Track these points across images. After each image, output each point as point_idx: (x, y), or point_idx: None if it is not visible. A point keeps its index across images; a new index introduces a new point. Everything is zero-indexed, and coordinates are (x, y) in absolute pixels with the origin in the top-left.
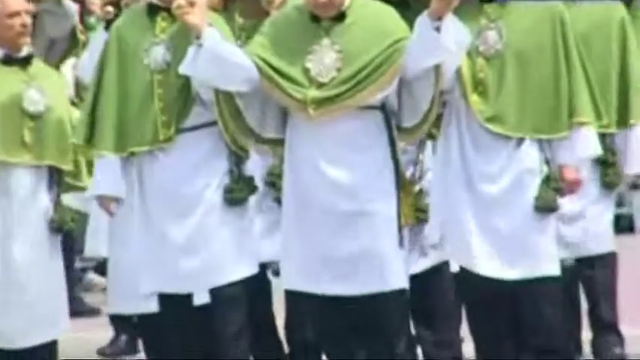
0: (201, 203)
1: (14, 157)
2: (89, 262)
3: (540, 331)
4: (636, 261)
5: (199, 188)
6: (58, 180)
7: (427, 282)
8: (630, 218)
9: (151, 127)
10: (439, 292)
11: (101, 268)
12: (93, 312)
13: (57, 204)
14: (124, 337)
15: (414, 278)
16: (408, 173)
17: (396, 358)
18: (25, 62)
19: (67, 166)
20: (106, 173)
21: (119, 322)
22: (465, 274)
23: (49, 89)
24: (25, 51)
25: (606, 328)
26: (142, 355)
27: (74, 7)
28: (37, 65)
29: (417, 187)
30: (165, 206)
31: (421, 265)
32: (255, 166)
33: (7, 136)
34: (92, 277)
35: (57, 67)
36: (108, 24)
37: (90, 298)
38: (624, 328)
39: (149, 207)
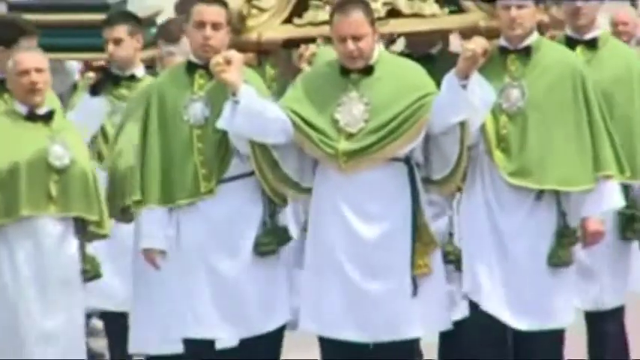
0: (237, 252)
1: (41, 211)
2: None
3: None
4: None
5: (236, 238)
6: (83, 229)
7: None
8: None
9: (192, 180)
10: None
11: (104, 314)
12: (97, 357)
13: (84, 253)
14: None
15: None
16: (435, 225)
17: None
18: (48, 118)
19: (94, 217)
20: (153, 226)
21: None
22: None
23: (72, 143)
24: (46, 107)
25: None
26: None
27: (75, 65)
28: (59, 120)
29: (447, 236)
30: (202, 254)
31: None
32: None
33: (33, 191)
34: (95, 322)
35: None
36: (92, 88)
37: (94, 343)
38: None
39: (186, 254)
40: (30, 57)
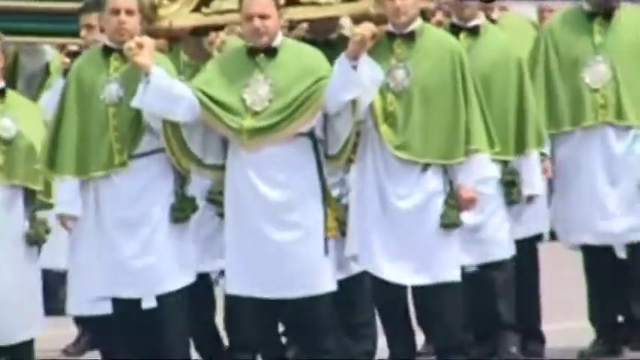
0: (149, 220)
1: None
2: None
3: (441, 331)
4: (555, 263)
5: (148, 207)
6: (32, 198)
7: (348, 287)
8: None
9: (106, 154)
10: (358, 296)
11: None
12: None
13: (32, 219)
14: (86, 337)
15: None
16: (335, 192)
17: (324, 356)
18: (1, 94)
19: (37, 187)
20: (67, 195)
21: (82, 322)
22: (374, 281)
23: (22, 117)
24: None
25: (505, 327)
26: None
27: (48, 49)
28: (12, 96)
29: (341, 204)
30: (118, 222)
31: (342, 274)
32: (196, 185)
33: None
34: None
35: (35, 98)
36: (65, 71)
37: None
38: (545, 325)
39: (104, 222)
40: None
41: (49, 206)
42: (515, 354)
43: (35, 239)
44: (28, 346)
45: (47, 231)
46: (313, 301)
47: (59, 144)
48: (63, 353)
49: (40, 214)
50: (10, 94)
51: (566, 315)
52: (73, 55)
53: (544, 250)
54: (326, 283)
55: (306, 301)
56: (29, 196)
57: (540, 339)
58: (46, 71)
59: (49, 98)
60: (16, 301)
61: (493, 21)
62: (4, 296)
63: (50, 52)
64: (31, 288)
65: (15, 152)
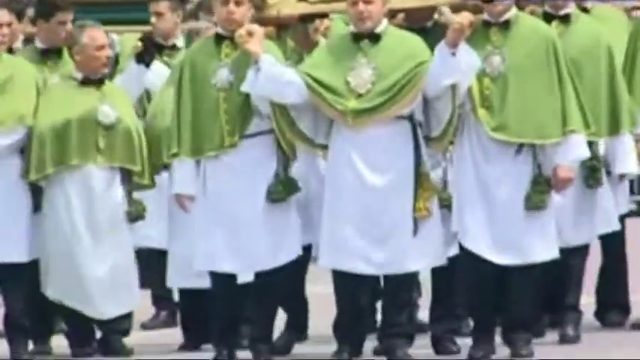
0: (253, 198)
1: (90, 161)
2: None
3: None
4: None
5: (253, 185)
6: (129, 179)
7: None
8: None
9: (218, 135)
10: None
11: None
12: None
13: (130, 198)
14: (164, 313)
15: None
16: (434, 174)
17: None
18: (100, 83)
19: (136, 167)
20: (184, 174)
21: (159, 299)
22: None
23: (119, 104)
24: (102, 72)
25: (568, 308)
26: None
27: (116, 38)
28: (108, 85)
29: (440, 183)
30: (224, 199)
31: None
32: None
33: (84, 144)
34: None
35: None
36: (137, 55)
37: None
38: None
39: (210, 200)
40: (102, 34)
41: (144, 187)
42: (572, 334)
43: (135, 216)
44: (127, 318)
45: (144, 209)
46: (397, 279)
47: (178, 127)
48: (140, 327)
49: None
50: (107, 83)
51: None
52: (145, 40)
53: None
54: (411, 263)
55: (391, 279)
56: (126, 176)
57: (626, 309)
58: (116, 61)
59: (122, 81)
60: (117, 277)
61: (586, 10)
62: (106, 272)
63: (119, 42)
64: (128, 264)
65: (115, 136)
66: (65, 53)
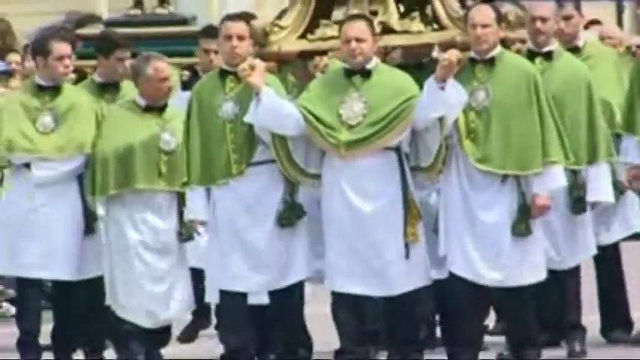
0: (260, 223)
1: (153, 185)
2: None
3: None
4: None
5: (260, 211)
6: (182, 201)
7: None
8: None
9: (225, 164)
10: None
11: None
12: None
13: (182, 220)
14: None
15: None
16: (431, 199)
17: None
18: (161, 110)
19: None
20: (195, 202)
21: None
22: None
23: (179, 130)
24: (164, 100)
25: (572, 327)
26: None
27: None
28: (169, 111)
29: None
30: (233, 224)
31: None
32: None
33: (147, 168)
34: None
35: None
36: (184, 84)
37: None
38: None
39: (220, 225)
40: (166, 66)
41: None
42: (578, 351)
43: (187, 237)
44: (168, 330)
45: (194, 230)
46: (392, 300)
47: (188, 158)
48: (177, 340)
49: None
50: (169, 108)
51: None
52: (190, 69)
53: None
54: (404, 284)
55: (389, 300)
56: (180, 199)
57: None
58: None
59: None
60: (174, 294)
61: (578, 48)
62: (164, 289)
63: None
64: (183, 280)
65: (175, 162)
66: (122, 86)
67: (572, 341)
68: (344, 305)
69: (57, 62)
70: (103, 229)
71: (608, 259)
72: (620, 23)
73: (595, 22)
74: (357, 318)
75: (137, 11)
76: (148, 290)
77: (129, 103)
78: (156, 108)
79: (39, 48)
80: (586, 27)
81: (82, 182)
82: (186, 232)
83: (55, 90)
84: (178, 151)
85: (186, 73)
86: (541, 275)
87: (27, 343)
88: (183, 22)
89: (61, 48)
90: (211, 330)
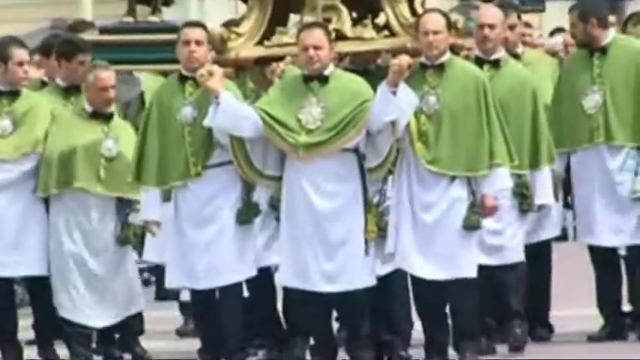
0: (218, 221)
1: (91, 187)
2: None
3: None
4: (568, 260)
5: (217, 210)
6: (124, 206)
7: (389, 281)
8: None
9: (183, 166)
10: (397, 289)
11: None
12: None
13: (123, 224)
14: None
15: (378, 279)
16: (374, 199)
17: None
18: (108, 118)
19: (135, 196)
20: (150, 203)
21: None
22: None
23: (123, 139)
24: (109, 109)
25: (513, 315)
26: None
27: (142, 77)
28: (117, 120)
29: (379, 210)
30: (192, 223)
31: (385, 269)
32: (261, 192)
33: (87, 171)
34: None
35: (134, 122)
36: None
37: None
38: (556, 312)
39: (181, 224)
40: (107, 76)
41: None
42: (519, 335)
43: (123, 241)
44: (137, 319)
45: (135, 234)
46: (352, 294)
47: (143, 159)
48: (175, 333)
49: (132, 217)
50: (115, 117)
51: (575, 304)
52: None
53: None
54: (365, 279)
55: (346, 294)
56: (122, 204)
57: (549, 327)
58: (141, 99)
59: None
60: (114, 289)
61: (517, 55)
62: (104, 284)
63: (144, 80)
64: (127, 277)
65: (116, 168)
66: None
67: (513, 329)
68: (297, 300)
69: (16, 67)
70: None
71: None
72: None
73: (560, 29)
74: (317, 314)
75: (130, 19)
76: (82, 292)
77: (78, 108)
78: (102, 115)
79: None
80: (551, 34)
81: None
82: (123, 235)
83: (13, 94)
84: (120, 159)
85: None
86: (474, 270)
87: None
88: (175, 29)
89: (21, 54)
90: None
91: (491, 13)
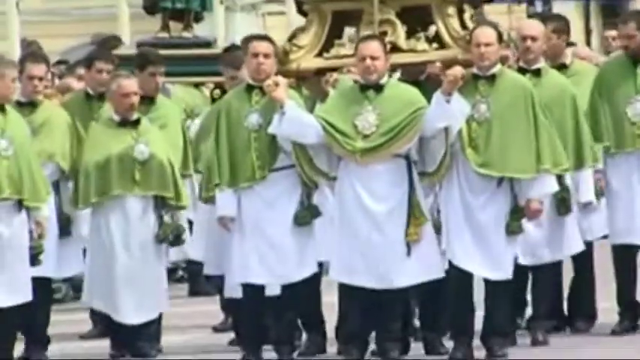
0: (280, 222)
1: (128, 191)
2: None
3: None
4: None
5: (280, 211)
6: (162, 204)
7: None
8: None
9: (250, 169)
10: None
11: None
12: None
13: (161, 222)
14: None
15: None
16: (428, 202)
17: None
18: (135, 124)
19: (169, 193)
20: (226, 201)
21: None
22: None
23: (152, 141)
24: (135, 116)
25: (538, 316)
26: None
27: (172, 89)
28: (145, 124)
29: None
30: (255, 223)
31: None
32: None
33: (122, 177)
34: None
35: None
36: (213, 101)
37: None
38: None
39: (246, 223)
40: (128, 84)
41: (181, 208)
42: (541, 338)
43: (162, 238)
44: (154, 324)
45: (172, 231)
46: (391, 293)
47: (218, 162)
48: (212, 329)
49: (168, 217)
50: (143, 122)
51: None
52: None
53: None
54: (403, 279)
55: (386, 292)
56: (159, 202)
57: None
58: None
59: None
60: (151, 287)
61: (565, 65)
62: (134, 285)
63: (174, 92)
64: (155, 277)
65: (149, 170)
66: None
67: (536, 330)
68: (349, 295)
69: (27, 81)
70: (88, 234)
71: (580, 256)
72: (587, 22)
73: (570, 44)
74: (360, 307)
75: (165, 34)
76: (120, 290)
77: (106, 120)
78: (129, 122)
79: (20, 67)
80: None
81: (57, 189)
82: (163, 233)
83: (32, 106)
84: (152, 160)
85: (217, 91)
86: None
87: None
88: (207, 44)
89: (31, 69)
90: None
91: (533, 26)
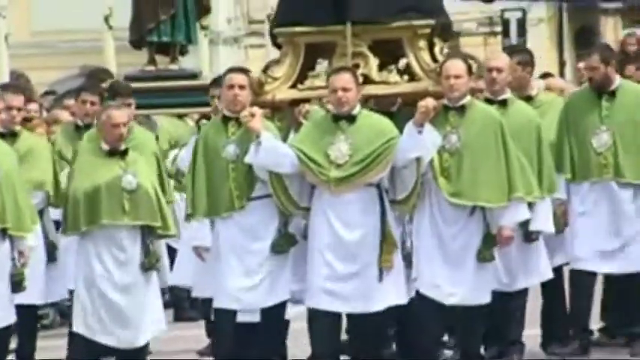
0: (257, 250)
1: (117, 220)
2: None
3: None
4: None
5: (258, 239)
6: (148, 233)
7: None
8: None
9: (228, 199)
10: None
11: None
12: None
13: (147, 251)
14: None
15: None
16: (398, 231)
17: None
18: (124, 154)
19: (157, 223)
20: (201, 231)
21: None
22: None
23: (140, 171)
24: (123, 146)
25: (512, 342)
26: None
27: (158, 121)
28: (132, 155)
29: (405, 241)
30: (234, 250)
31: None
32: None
33: (111, 206)
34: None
35: None
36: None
37: None
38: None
39: (221, 248)
40: (118, 114)
41: (169, 237)
42: None
43: (148, 267)
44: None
45: (157, 260)
46: (364, 317)
47: (194, 192)
48: (197, 354)
49: (156, 244)
50: (131, 153)
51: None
52: (206, 118)
53: None
54: (377, 303)
55: (358, 317)
56: (146, 231)
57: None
58: (156, 139)
59: (187, 152)
60: (135, 315)
61: (531, 97)
62: (128, 312)
63: (159, 124)
64: (148, 302)
65: (138, 199)
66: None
67: (511, 355)
68: (321, 320)
69: (6, 112)
70: (75, 262)
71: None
72: (561, 53)
73: (548, 74)
74: (331, 332)
75: (151, 67)
76: (111, 315)
77: (95, 148)
78: (118, 152)
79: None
80: (542, 77)
81: (42, 216)
82: (148, 262)
83: (12, 136)
84: (140, 190)
85: (204, 121)
86: (488, 297)
87: None
88: (193, 76)
89: (10, 99)
90: None
91: (499, 58)
